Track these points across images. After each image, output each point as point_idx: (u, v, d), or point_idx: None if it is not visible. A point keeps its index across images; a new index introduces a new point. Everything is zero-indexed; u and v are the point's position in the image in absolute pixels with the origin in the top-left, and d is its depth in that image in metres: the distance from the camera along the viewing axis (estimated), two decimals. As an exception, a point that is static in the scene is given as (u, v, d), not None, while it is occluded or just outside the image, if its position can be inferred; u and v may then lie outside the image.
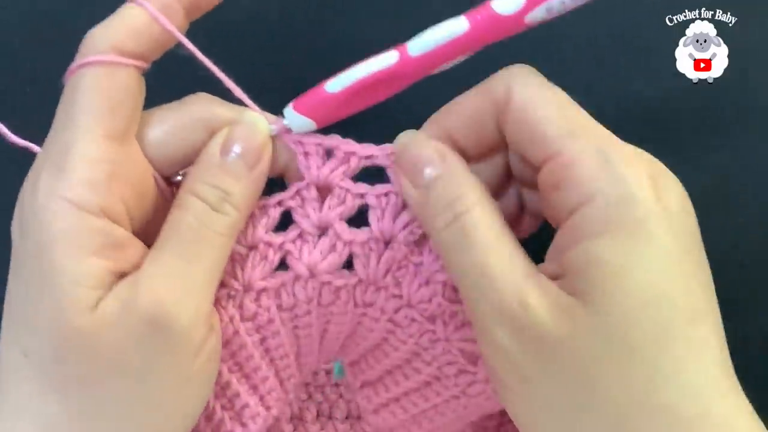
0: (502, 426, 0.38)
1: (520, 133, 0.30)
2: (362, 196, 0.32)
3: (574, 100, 0.31)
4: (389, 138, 0.33)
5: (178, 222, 0.30)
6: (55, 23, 0.43)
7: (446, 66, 0.31)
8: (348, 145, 0.32)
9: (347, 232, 0.32)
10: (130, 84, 0.30)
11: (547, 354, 0.27)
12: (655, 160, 0.29)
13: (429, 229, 0.30)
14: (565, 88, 0.31)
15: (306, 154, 0.32)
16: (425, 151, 0.30)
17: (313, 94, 0.31)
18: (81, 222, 0.28)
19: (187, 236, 0.29)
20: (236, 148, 0.30)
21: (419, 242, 0.33)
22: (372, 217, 0.33)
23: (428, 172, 0.30)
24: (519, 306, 0.27)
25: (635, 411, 0.26)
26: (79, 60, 0.29)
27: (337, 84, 0.30)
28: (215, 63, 0.31)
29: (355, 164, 0.32)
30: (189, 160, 0.31)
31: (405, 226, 0.32)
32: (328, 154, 0.32)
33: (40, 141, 0.31)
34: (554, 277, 0.28)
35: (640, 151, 0.29)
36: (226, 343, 0.33)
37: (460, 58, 0.30)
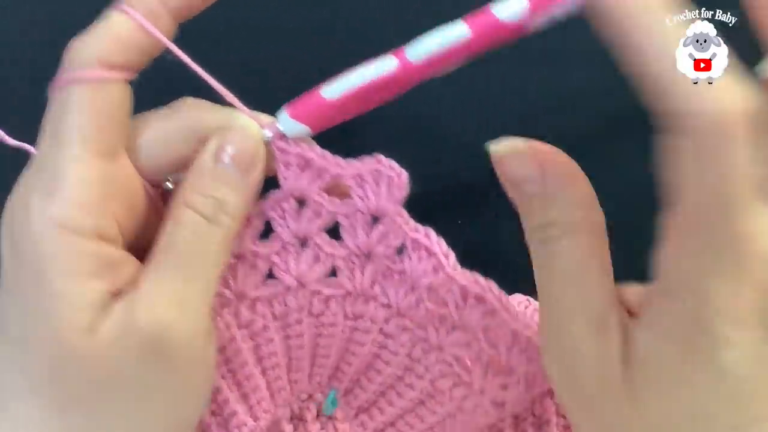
0: None
1: None
2: (335, 213, 0.32)
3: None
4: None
5: (174, 237, 0.29)
6: (56, 24, 0.43)
7: (443, 72, 0.30)
8: (322, 160, 0.31)
9: (328, 245, 0.33)
10: (118, 98, 0.29)
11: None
12: None
13: (524, 225, 0.29)
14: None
15: (287, 164, 0.31)
16: (524, 170, 0.28)
17: (309, 100, 0.30)
18: (76, 246, 0.27)
19: (183, 253, 0.29)
20: (229, 155, 0.29)
21: (399, 251, 0.33)
22: (345, 234, 0.33)
23: (528, 188, 0.28)
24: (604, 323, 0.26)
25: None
26: (65, 74, 0.28)
27: (334, 91, 0.29)
28: (204, 68, 0.30)
29: (327, 180, 0.32)
30: (177, 166, 0.31)
31: (380, 240, 0.32)
32: (307, 163, 0.32)
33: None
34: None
35: None
36: (221, 349, 0.33)
37: (458, 65, 0.30)
